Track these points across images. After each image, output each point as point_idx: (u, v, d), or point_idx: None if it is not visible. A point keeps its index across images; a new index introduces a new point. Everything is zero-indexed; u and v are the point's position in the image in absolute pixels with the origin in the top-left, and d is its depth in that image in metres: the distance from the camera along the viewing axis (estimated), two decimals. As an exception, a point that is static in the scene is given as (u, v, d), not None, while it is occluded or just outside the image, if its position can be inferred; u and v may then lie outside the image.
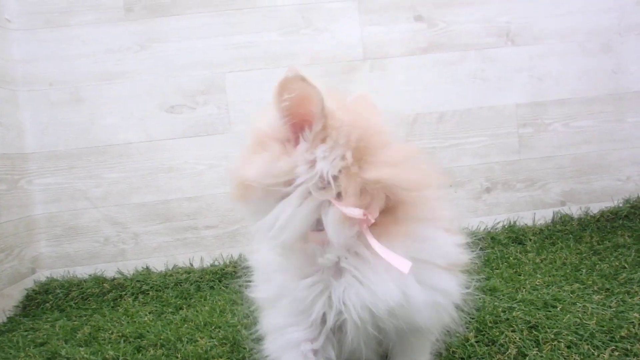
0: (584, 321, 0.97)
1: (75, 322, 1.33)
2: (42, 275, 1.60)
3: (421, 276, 0.61)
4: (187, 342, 1.10)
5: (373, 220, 0.60)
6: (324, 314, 0.64)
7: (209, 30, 1.65)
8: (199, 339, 1.11)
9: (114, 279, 1.59)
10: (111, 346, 1.12)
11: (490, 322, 1.01)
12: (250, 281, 0.76)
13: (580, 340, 0.89)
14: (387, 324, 0.62)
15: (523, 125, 1.78)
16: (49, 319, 1.38)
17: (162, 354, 1.05)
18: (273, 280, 0.67)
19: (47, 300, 1.50)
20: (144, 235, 1.65)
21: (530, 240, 1.68)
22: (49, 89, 1.61)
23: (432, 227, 0.64)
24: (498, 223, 1.78)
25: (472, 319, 1.04)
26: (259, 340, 0.77)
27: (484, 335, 0.96)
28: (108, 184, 1.64)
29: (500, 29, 1.75)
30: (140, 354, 1.06)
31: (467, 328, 0.99)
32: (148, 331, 1.19)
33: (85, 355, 1.07)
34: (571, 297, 1.12)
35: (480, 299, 1.16)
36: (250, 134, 0.65)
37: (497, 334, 0.95)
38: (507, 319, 1.02)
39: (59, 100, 1.61)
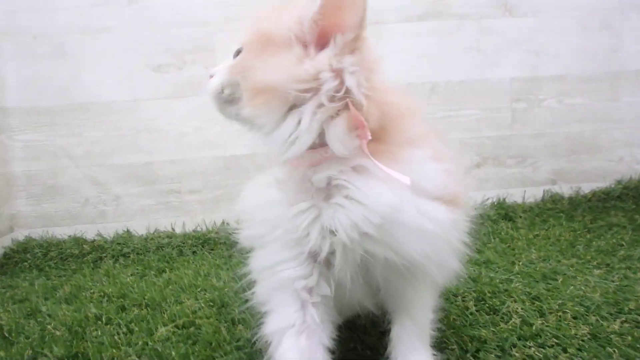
0: (588, 294, 0.94)
1: (55, 281, 1.30)
2: (21, 235, 1.57)
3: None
4: (173, 302, 1.08)
5: (370, 137, 0.57)
6: (318, 247, 0.60)
7: None
8: (185, 300, 1.08)
9: (94, 240, 1.56)
10: (93, 304, 1.09)
11: (489, 292, 0.99)
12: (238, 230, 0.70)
13: (587, 312, 0.86)
14: (376, 250, 0.58)
15: (517, 100, 1.75)
16: (27, 278, 1.36)
17: (147, 314, 1.02)
18: (265, 213, 0.64)
19: (25, 259, 1.48)
20: (126, 197, 1.62)
21: (520, 217, 1.66)
22: (32, 42, 1.55)
23: (419, 152, 0.60)
24: (487, 199, 1.76)
25: (469, 288, 1.02)
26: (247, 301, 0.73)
27: (484, 304, 0.93)
28: (90, 142, 1.59)
29: (499, -1, 1.70)
30: (124, 313, 1.04)
31: (464, 298, 0.98)
32: (131, 291, 1.17)
33: (67, 313, 1.05)
34: (570, 270, 1.10)
35: (475, 270, 1.15)
36: (255, 34, 0.61)
37: (498, 303, 0.92)
38: (507, 290, 0.99)
39: (42, 53, 1.56)
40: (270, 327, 0.63)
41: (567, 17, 1.74)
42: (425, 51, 1.69)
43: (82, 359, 0.85)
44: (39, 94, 1.56)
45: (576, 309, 0.88)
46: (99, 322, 1.00)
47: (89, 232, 1.60)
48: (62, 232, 1.60)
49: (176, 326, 0.95)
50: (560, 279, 1.05)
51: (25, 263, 1.46)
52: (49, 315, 1.05)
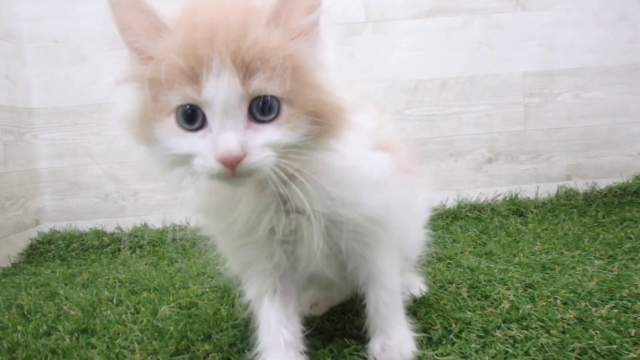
0: (583, 282, 0.94)
1: (75, 269, 1.38)
2: (46, 227, 1.66)
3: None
4: (180, 287, 1.14)
5: None
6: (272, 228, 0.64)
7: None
8: (191, 285, 1.14)
9: (113, 233, 1.64)
10: (107, 289, 1.16)
11: (484, 280, 1.00)
12: None
13: (578, 298, 0.86)
14: (341, 213, 0.62)
15: (530, 95, 1.73)
16: (50, 266, 1.44)
17: (154, 297, 1.08)
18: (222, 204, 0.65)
19: (49, 250, 1.56)
20: (143, 193, 1.69)
21: (532, 212, 1.64)
22: (54, 46, 1.65)
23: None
24: (499, 195, 1.74)
25: (465, 277, 1.03)
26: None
27: (476, 290, 0.95)
28: (110, 141, 1.67)
29: (510, -7, 1.69)
30: (134, 296, 1.10)
31: (458, 285, 0.99)
32: (143, 278, 1.23)
33: (82, 295, 1.12)
34: (571, 261, 1.10)
35: (474, 261, 1.15)
36: None
37: (490, 289, 0.93)
38: (502, 279, 1.00)
39: (63, 57, 1.65)
40: (249, 295, 0.72)
41: (582, 10, 1.72)
42: (434, 48, 1.70)
43: (90, 333, 0.91)
44: (62, 96, 1.65)
45: (567, 295, 0.88)
46: (110, 304, 1.07)
47: (109, 226, 1.68)
48: (84, 225, 1.68)
49: (179, 306, 1.01)
50: (558, 269, 1.04)
51: (49, 253, 1.55)
52: (66, 298, 1.12)
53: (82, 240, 1.59)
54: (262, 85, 0.49)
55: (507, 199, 1.73)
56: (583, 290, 0.89)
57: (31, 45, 1.64)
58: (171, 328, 0.88)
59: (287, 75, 0.50)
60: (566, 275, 0.98)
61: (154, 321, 0.93)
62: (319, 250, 0.65)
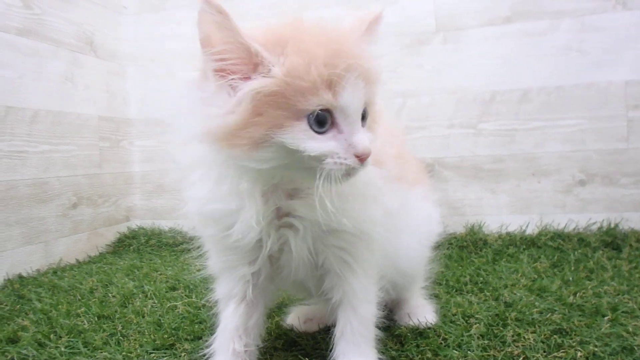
0: (627, 336, 0.77)
1: (141, 263, 1.52)
2: (134, 224, 1.87)
3: None
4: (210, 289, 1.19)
5: None
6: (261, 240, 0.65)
7: (278, 9, 1.71)
8: None
9: (187, 233, 1.77)
10: (151, 283, 1.26)
11: (511, 319, 0.87)
12: None
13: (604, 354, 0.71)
14: (335, 224, 0.62)
15: (634, 107, 1.46)
16: (126, 258, 1.61)
17: (184, 294, 1.16)
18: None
19: (132, 244, 1.75)
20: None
21: (630, 246, 1.38)
22: (150, 64, 1.86)
23: None
24: (593, 223, 1.49)
25: (491, 312, 0.91)
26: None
27: (491, 329, 0.83)
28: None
29: (609, -9, 1.46)
30: (171, 292, 1.19)
31: (477, 321, 0.88)
32: (185, 278, 1.32)
33: (128, 287, 1.24)
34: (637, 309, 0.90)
35: (517, 294, 1.01)
36: None
37: (509, 331, 0.81)
38: (533, 320, 0.87)
39: (157, 74, 1.86)
40: (218, 294, 0.75)
41: None
42: (512, 56, 1.54)
43: (107, 318, 1.02)
44: (154, 108, 1.85)
45: (594, 350, 0.71)
46: (142, 296, 1.16)
47: (187, 227, 1.82)
48: (166, 224, 1.85)
49: (194, 305, 1.05)
50: (611, 317, 0.86)
51: (131, 247, 1.74)
52: (117, 286, 1.25)
53: (160, 238, 1.75)
54: (369, 95, 0.59)
55: (604, 228, 1.47)
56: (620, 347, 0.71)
57: (132, 63, 1.88)
58: (171, 324, 0.94)
59: (375, 89, 0.61)
60: (616, 327, 0.80)
61: (163, 317, 0.99)
62: (301, 263, 0.67)
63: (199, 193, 0.67)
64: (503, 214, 1.57)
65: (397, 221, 0.73)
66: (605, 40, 1.46)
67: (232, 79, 0.56)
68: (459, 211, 1.60)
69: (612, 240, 1.41)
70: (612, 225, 1.47)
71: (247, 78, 0.55)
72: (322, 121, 0.56)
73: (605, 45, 1.47)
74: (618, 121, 1.47)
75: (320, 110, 0.55)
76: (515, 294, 1.03)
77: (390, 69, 1.62)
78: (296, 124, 0.55)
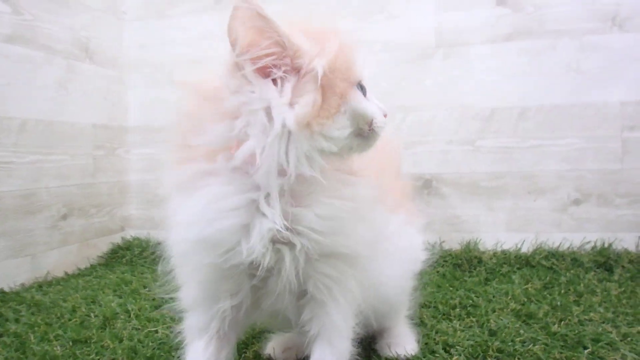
0: None
1: (130, 277, 1.48)
2: (129, 234, 1.85)
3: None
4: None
5: None
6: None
7: (282, 17, 1.70)
8: None
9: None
10: (136, 301, 1.24)
11: (492, 350, 0.87)
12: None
13: None
14: (321, 236, 0.62)
15: (630, 128, 1.48)
16: (117, 271, 1.58)
17: (168, 315, 1.12)
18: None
19: (125, 255, 1.73)
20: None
21: (622, 267, 1.39)
22: (152, 72, 1.85)
23: None
24: (587, 242, 1.51)
25: (475, 340, 0.91)
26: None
27: None
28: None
29: (606, 12, 1.47)
30: (153, 312, 1.16)
31: (458, 350, 0.87)
32: (171, 297, 1.29)
33: (112, 305, 1.21)
34: (627, 340, 0.91)
35: (502, 320, 1.02)
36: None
37: None
38: (515, 351, 0.86)
39: (157, 81, 1.84)
40: (189, 324, 0.71)
41: None
42: (512, 73, 1.55)
43: (84, 343, 1.00)
44: (153, 115, 1.83)
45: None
46: (126, 316, 1.14)
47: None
48: (163, 235, 1.83)
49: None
50: (602, 351, 0.86)
51: (124, 259, 1.71)
52: (100, 305, 1.22)
53: (154, 250, 1.73)
54: None
55: (598, 247, 1.48)
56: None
57: (134, 70, 1.86)
58: (147, 352, 0.92)
59: None
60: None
61: (141, 341, 0.98)
62: (287, 289, 0.64)
63: (195, 213, 0.61)
64: (499, 232, 1.58)
65: (381, 246, 0.73)
66: (603, 61, 1.48)
67: (283, 71, 0.59)
68: (456, 227, 1.61)
69: (605, 260, 1.42)
70: (606, 245, 1.48)
71: (294, 69, 0.59)
72: (363, 88, 0.65)
73: (603, 65, 1.48)
74: (613, 141, 1.49)
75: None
76: (502, 319, 1.03)
77: (391, 83, 1.62)
78: (355, 91, 0.63)
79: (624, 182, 1.49)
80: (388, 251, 0.75)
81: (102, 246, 1.75)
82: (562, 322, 1.00)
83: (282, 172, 0.59)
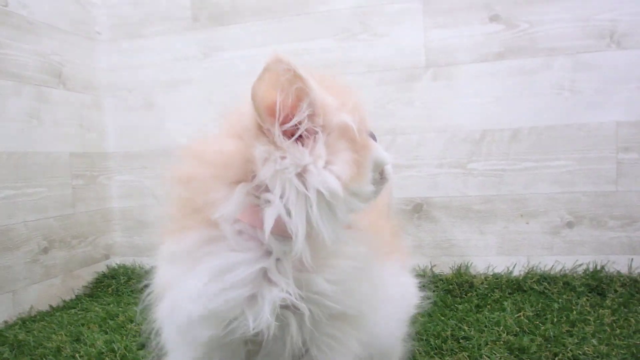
0: None
1: (116, 310, 1.45)
2: (114, 262, 1.80)
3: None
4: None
5: None
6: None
7: (265, 37, 1.64)
8: None
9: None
10: (123, 338, 1.20)
11: None
12: None
13: None
14: (331, 301, 0.59)
15: (625, 150, 1.43)
16: (103, 302, 1.55)
17: (154, 354, 1.10)
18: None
19: (111, 284, 1.69)
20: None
21: (615, 292, 1.37)
22: (127, 95, 1.78)
23: None
24: (579, 265, 1.48)
25: None
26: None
27: None
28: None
29: (602, 29, 1.41)
30: (141, 350, 1.12)
31: None
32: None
33: (98, 343, 1.18)
34: None
35: (496, 356, 0.99)
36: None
37: None
38: None
39: (134, 105, 1.77)
40: None
41: None
42: (503, 94, 1.49)
43: None
44: (132, 141, 1.78)
45: None
46: (110, 355, 1.11)
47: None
48: (149, 262, 1.79)
49: None
50: None
51: (110, 288, 1.68)
52: (85, 344, 1.19)
53: (140, 278, 1.69)
54: None
55: (591, 271, 1.45)
56: None
57: (109, 94, 1.79)
58: None
59: None
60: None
61: None
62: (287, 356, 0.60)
63: (199, 288, 0.55)
64: (490, 255, 1.55)
65: (377, 299, 0.69)
66: (598, 80, 1.43)
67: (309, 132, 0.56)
68: (446, 252, 1.58)
69: (598, 284, 1.40)
70: (599, 268, 1.46)
71: (323, 126, 0.56)
72: (373, 135, 0.65)
73: (598, 85, 1.43)
74: (607, 163, 1.45)
75: None
76: (494, 354, 1.01)
77: (379, 104, 1.57)
78: (371, 140, 0.62)
79: (618, 204, 1.45)
80: (382, 302, 0.72)
81: (87, 276, 1.71)
82: (556, 358, 0.99)
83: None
